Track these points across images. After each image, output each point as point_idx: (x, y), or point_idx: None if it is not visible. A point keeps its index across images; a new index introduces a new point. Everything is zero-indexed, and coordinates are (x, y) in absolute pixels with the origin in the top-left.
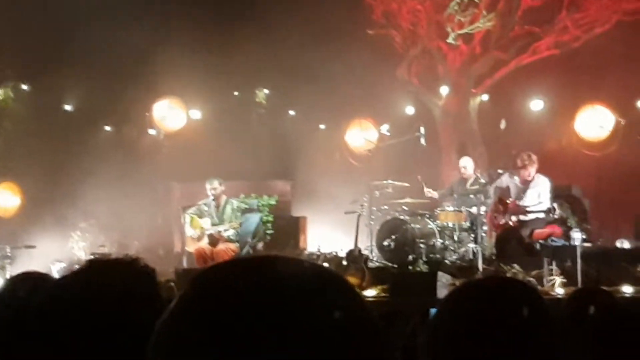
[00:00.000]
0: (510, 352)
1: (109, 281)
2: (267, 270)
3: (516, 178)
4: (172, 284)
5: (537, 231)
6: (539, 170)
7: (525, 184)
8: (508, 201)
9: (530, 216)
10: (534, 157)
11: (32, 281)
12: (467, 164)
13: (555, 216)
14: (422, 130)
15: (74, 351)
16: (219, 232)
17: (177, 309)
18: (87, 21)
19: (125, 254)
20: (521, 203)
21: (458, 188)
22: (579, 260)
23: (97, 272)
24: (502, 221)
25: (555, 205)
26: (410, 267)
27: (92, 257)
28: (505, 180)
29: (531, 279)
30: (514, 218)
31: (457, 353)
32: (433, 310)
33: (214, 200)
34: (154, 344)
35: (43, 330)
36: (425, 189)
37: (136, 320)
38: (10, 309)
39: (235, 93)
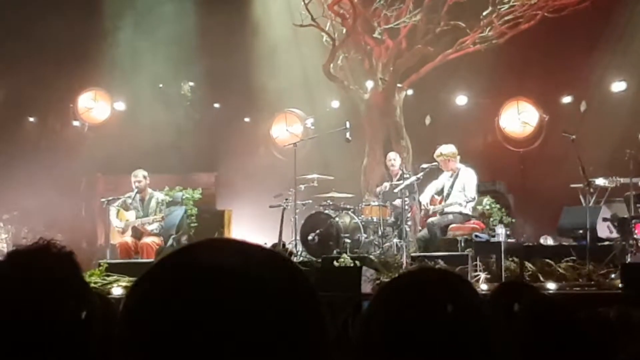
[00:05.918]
0: (445, 344)
1: (30, 271)
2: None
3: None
4: None
5: (454, 225)
6: (462, 162)
7: (454, 176)
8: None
9: (451, 209)
10: (452, 150)
11: None
12: (395, 158)
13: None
14: (348, 124)
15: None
16: (143, 225)
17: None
18: (11, 9)
19: (40, 238)
20: (449, 195)
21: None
22: (503, 256)
23: (16, 263)
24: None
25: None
26: (334, 262)
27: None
28: (441, 178)
29: None
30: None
31: (391, 345)
32: (366, 303)
33: (138, 193)
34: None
35: None
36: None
37: (61, 306)
38: None
39: (160, 85)
